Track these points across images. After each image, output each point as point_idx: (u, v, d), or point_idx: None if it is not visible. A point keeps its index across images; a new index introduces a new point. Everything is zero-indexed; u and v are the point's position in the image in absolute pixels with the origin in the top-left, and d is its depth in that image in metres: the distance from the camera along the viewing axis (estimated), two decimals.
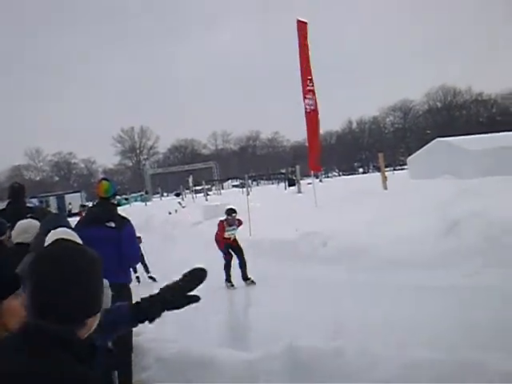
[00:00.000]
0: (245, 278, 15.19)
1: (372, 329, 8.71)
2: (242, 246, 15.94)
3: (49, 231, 4.85)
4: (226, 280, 15.23)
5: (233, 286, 15.07)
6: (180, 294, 3.23)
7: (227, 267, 15.43)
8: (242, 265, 15.43)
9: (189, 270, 3.25)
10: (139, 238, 13.25)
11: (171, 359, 7.87)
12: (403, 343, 7.13)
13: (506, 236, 12.26)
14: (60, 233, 5.76)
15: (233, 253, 15.70)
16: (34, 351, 2.02)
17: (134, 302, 6.46)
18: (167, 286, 3.24)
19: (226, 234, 15.86)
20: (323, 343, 6.75)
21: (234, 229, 16.03)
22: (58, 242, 2.42)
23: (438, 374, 5.59)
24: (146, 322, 3.50)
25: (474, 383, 5.32)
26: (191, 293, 3.35)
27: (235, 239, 15.99)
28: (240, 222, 16.45)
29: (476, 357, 5.71)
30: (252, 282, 15.01)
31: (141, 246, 12.88)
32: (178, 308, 3.25)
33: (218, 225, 16.27)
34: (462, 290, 10.51)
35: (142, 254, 14.30)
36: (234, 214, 16.04)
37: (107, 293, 5.99)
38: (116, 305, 3.21)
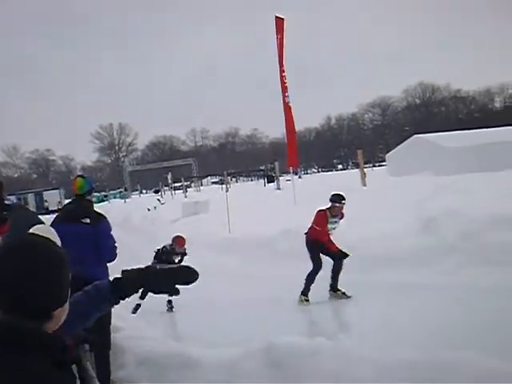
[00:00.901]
0: (335, 288, 12.20)
1: (350, 327, 8.71)
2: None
3: (20, 229, 4.80)
4: (303, 293, 12.04)
5: (308, 301, 11.89)
6: (165, 280, 3.11)
7: (313, 276, 12.24)
8: (337, 271, 12.30)
9: (186, 264, 3.10)
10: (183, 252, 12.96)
11: (149, 357, 7.83)
12: (381, 342, 7.13)
13: (483, 233, 12.31)
14: (39, 230, 5.71)
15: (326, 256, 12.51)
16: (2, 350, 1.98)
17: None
18: (156, 267, 3.11)
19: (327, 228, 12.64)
20: (302, 342, 6.73)
21: (336, 222, 12.77)
22: (20, 236, 2.39)
23: (415, 374, 5.59)
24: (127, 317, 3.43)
25: (451, 383, 5.32)
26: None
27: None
28: (343, 215, 12.98)
29: (453, 356, 5.70)
30: (344, 294, 11.94)
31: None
32: (154, 292, 3.12)
33: (319, 215, 12.69)
34: (440, 287, 10.55)
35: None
36: (343, 202, 12.62)
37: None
38: (94, 283, 3.13)
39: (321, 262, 12.27)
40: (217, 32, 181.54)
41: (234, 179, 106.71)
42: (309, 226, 12.63)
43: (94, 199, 8.32)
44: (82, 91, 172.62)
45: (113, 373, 7.38)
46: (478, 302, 9.58)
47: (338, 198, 12.60)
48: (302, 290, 11.99)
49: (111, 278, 3.13)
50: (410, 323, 9.01)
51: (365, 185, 28.30)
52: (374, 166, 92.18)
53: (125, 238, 18.00)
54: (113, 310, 7.33)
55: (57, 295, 2.17)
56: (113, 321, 7.51)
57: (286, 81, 25.68)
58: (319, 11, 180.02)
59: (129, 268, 2.98)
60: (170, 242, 13.09)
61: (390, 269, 12.23)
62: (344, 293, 11.86)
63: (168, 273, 2.97)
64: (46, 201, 76.18)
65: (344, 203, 12.58)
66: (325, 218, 12.47)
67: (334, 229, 12.66)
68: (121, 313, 8.03)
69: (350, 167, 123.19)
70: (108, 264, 7.54)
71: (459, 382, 5.24)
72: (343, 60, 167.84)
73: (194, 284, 2.92)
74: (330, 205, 12.63)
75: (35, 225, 5.54)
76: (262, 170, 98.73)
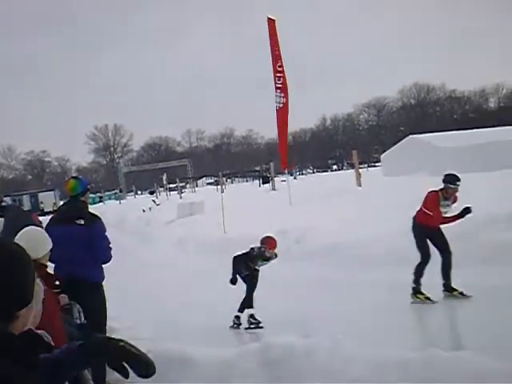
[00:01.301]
0: (449, 287, 10.75)
1: (344, 327, 8.70)
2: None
3: (15, 230, 4.82)
4: (415, 291, 10.72)
5: (428, 298, 10.56)
6: (113, 358, 2.62)
7: (421, 269, 10.88)
8: (447, 268, 10.87)
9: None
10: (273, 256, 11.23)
11: None
12: (377, 342, 7.14)
13: (479, 233, 12.34)
14: (28, 232, 5.75)
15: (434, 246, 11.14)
16: None
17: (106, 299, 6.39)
18: (119, 343, 2.60)
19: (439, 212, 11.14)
20: (298, 342, 6.75)
21: (448, 205, 11.23)
22: None
23: (408, 373, 5.60)
24: None
25: (443, 382, 5.33)
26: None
27: None
28: (456, 198, 11.35)
29: (449, 356, 5.72)
30: (462, 294, 10.48)
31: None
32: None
33: (430, 197, 11.23)
34: (435, 287, 10.53)
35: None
36: (458, 183, 11.06)
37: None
38: (63, 347, 2.94)
39: (429, 252, 10.96)
40: (213, 32, 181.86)
41: (229, 180, 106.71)
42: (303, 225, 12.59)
43: (89, 200, 8.32)
44: (77, 92, 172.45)
45: (108, 374, 7.37)
46: (474, 302, 9.60)
47: (452, 179, 11.07)
48: (412, 287, 10.68)
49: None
50: (405, 322, 9.03)
51: (360, 185, 28.32)
52: (370, 166, 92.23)
53: (120, 239, 17.99)
54: (108, 311, 7.36)
55: (19, 296, 2.16)
56: (108, 322, 7.50)
57: (278, 82, 25.74)
58: (314, 11, 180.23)
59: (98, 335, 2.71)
60: (258, 244, 11.32)
61: (385, 269, 12.23)
62: (462, 292, 10.43)
63: (123, 354, 2.51)
64: (41, 202, 75.92)
65: (459, 185, 11.07)
66: (436, 201, 11.02)
67: (446, 213, 11.19)
68: (116, 314, 8.01)
69: (345, 168, 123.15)
70: (104, 265, 7.54)
71: (454, 381, 5.26)
72: (338, 60, 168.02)
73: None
74: (442, 186, 11.12)
75: (28, 226, 5.56)
76: (257, 171, 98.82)
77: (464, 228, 12.77)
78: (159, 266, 17.66)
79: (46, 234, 5.61)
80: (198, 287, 14.10)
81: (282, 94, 25.74)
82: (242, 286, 10.95)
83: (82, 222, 7.41)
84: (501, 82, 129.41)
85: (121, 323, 9.18)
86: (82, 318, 6.21)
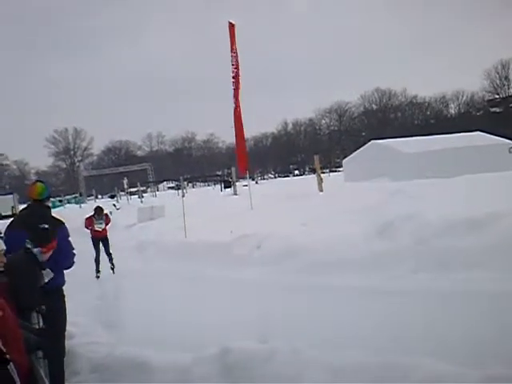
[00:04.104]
0: None
1: (304, 332, 8.71)
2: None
3: None
4: None
5: None
6: None
7: None
8: None
9: None
10: None
11: (103, 363, 7.78)
12: (333, 345, 7.14)
13: (437, 238, 12.40)
14: None
15: None
16: None
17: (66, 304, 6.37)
18: None
19: None
20: (256, 345, 6.73)
21: None
22: None
23: (366, 376, 5.61)
24: None
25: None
26: None
27: None
28: None
29: (403, 360, 5.75)
30: None
31: None
32: None
33: None
34: (394, 292, 10.59)
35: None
36: None
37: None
38: None
39: None
40: (173, 36, 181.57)
41: (190, 184, 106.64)
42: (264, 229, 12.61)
43: (49, 204, 8.20)
44: (37, 95, 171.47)
45: (67, 380, 7.29)
46: (430, 307, 9.65)
47: None
48: None
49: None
50: (363, 327, 9.03)
51: (321, 190, 28.40)
52: (331, 171, 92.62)
53: (80, 243, 17.83)
54: (67, 316, 7.27)
55: None
56: (67, 327, 7.41)
57: (234, 87, 25.95)
58: (276, 15, 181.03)
59: None
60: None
61: (344, 273, 12.27)
62: None
63: None
64: None
65: None
66: None
67: None
68: (73, 319, 7.93)
69: (306, 173, 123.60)
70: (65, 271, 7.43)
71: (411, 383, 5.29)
72: (300, 65, 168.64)
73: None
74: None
75: None
76: (218, 176, 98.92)
77: (420, 233, 12.86)
78: (117, 271, 17.57)
79: None
80: (157, 291, 14.05)
81: (234, 99, 26.01)
82: (202, 290, 10.87)
83: (46, 226, 7.30)
84: (461, 88, 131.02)
85: (78, 328, 9.09)
86: (41, 323, 6.13)
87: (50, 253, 6.40)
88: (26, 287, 5.62)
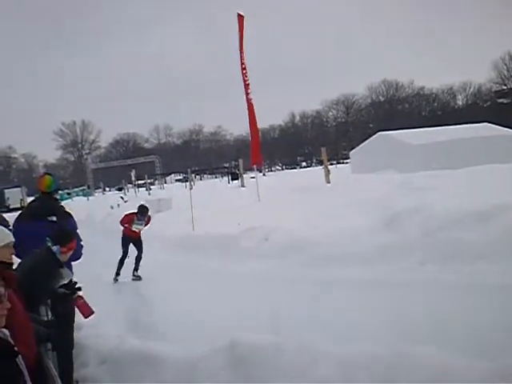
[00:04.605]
0: None
1: (313, 324, 8.71)
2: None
3: None
4: None
5: None
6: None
7: None
8: None
9: None
10: None
11: (112, 355, 7.79)
12: (342, 339, 7.14)
13: (444, 230, 12.38)
14: None
15: None
16: None
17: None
18: None
19: None
20: (264, 339, 6.73)
21: None
22: None
23: (376, 370, 5.61)
24: None
25: (411, 377, 5.36)
26: None
27: None
28: None
29: (414, 351, 5.74)
30: None
31: None
32: None
33: None
34: (402, 284, 10.58)
35: None
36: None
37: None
38: None
39: None
40: (181, 29, 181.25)
41: (197, 177, 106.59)
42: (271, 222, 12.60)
43: (57, 197, 8.24)
44: (45, 88, 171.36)
45: (75, 372, 7.32)
46: (438, 298, 9.64)
47: None
48: None
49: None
50: (371, 319, 9.03)
51: (329, 182, 28.36)
52: (338, 163, 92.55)
53: (88, 235, 17.83)
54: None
55: None
56: (76, 319, 7.44)
57: (247, 78, 25.89)
58: (283, 9, 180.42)
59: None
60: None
61: (352, 265, 12.25)
62: None
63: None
64: (7, 198, 75.03)
65: None
66: None
67: None
68: None
69: (314, 164, 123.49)
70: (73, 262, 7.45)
71: (419, 376, 5.29)
72: (308, 57, 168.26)
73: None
74: None
75: None
76: (226, 168, 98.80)
77: (427, 225, 12.85)
78: (125, 263, 17.58)
79: (6, 231, 5.42)
80: (164, 284, 14.06)
81: (246, 91, 26.00)
82: (210, 283, 10.87)
83: (55, 218, 7.34)
84: (468, 79, 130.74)
85: (85, 320, 9.12)
86: (50, 316, 6.16)
87: (70, 253, 6.39)
88: (41, 285, 5.67)
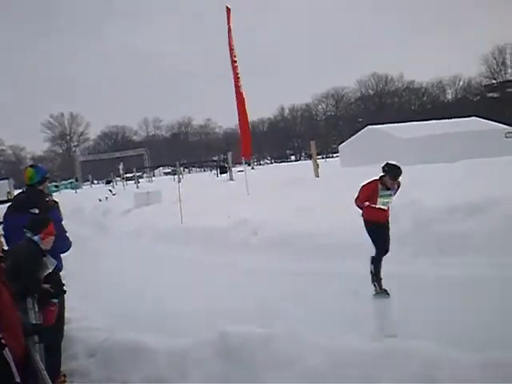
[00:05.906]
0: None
1: (303, 316, 8.71)
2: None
3: None
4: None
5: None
6: None
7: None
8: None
9: None
10: None
11: (101, 348, 7.78)
12: (331, 331, 7.14)
13: (436, 223, 12.41)
14: None
15: None
16: None
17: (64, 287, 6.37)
18: None
19: None
20: (255, 331, 6.72)
21: (390, 195, 10.36)
22: None
23: (364, 362, 5.61)
24: None
25: (400, 370, 5.36)
26: None
27: None
28: (399, 185, 10.46)
29: (404, 345, 5.74)
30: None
31: None
32: None
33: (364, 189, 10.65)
34: (393, 276, 10.56)
35: None
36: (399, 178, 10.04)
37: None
38: None
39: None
40: (171, 20, 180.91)
41: (186, 170, 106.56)
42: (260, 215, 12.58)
43: (46, 190, 8.19)
44: (32, 80, 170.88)
45: (63, 364, 7.29)
46: (430, 292, 9.66)
47: (394, 174, 10.09)
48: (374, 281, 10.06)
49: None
50: (362, 312, 9.05)
51: (318, 176, 28.40)
52: (328, 156, 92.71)
53: (76, 228, 17.82)
54: (65, 301, 7.25)
55: None
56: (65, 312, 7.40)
57: (238, 71, 25.81)
58: (273, 2, 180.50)
59: None
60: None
61: (342, 258, 12.27)
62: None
63: None
64: None
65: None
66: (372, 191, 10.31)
67: (388, 203, 10.21)
68: (70, 304, 7.91)
69: (303, 158, 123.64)
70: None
71: (410, 368, 5.29)
72: (296, 50, 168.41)
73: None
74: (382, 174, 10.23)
75: None
76: (214, 161, 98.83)
77: (419, 218, 12.87)
78: (115, 256, 17.55)
79: None
80: (154, 277, 14.02)
81: (236, 83, 25.93)
82: (199, 275, 10.82)
83: (37, 210, 7.29)
84: (458, 73, 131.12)
85: (74, 313, 9.09)
86: (36, 308, 6.11)
87: (51, 239, 6.41)
88: (27, 276, 5.66)
